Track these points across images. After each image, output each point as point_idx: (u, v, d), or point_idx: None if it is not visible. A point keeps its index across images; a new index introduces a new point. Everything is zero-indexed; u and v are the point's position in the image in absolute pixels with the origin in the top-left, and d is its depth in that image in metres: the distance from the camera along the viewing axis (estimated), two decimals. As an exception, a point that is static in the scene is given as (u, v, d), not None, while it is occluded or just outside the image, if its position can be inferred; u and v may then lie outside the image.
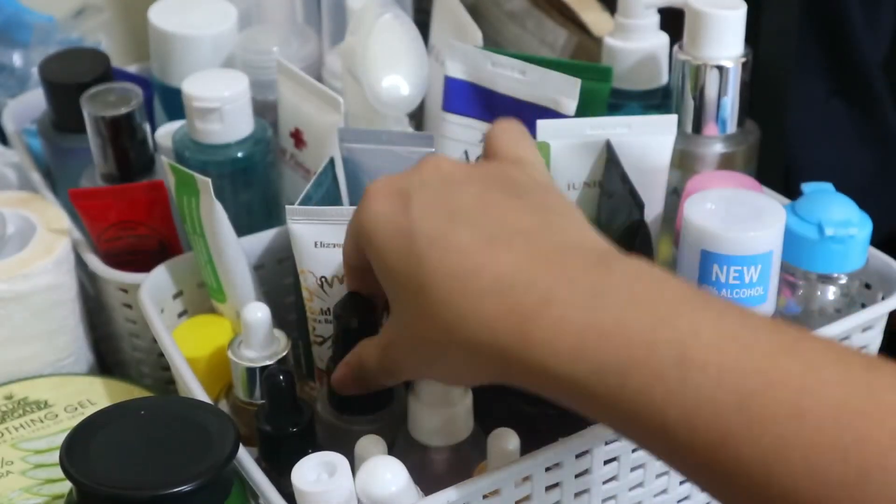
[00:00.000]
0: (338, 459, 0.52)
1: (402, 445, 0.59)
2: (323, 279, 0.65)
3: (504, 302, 0.46)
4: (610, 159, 0.65)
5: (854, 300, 0.70)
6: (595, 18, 0.89)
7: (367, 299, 0.58)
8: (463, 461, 0.59)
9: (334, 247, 0.64)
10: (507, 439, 0.57)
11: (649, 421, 0.43)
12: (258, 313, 0.63)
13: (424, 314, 0.48)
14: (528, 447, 0.57)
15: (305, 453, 0.53)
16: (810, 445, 0.39)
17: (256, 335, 0.63)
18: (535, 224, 0.48)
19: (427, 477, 0.56)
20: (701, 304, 0.44)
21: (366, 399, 0.59)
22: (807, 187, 0.70)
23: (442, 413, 0.58)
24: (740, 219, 0.62)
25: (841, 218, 0.67)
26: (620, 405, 0.43)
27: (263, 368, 0.63)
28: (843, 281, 0.68)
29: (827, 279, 0.68)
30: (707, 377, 0.41)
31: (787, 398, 0.40)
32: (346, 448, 0.55)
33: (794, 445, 0.40)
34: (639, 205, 0.62)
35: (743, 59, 0.74)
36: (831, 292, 0.69)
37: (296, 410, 0.58)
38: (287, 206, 0.64)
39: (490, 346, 0.46)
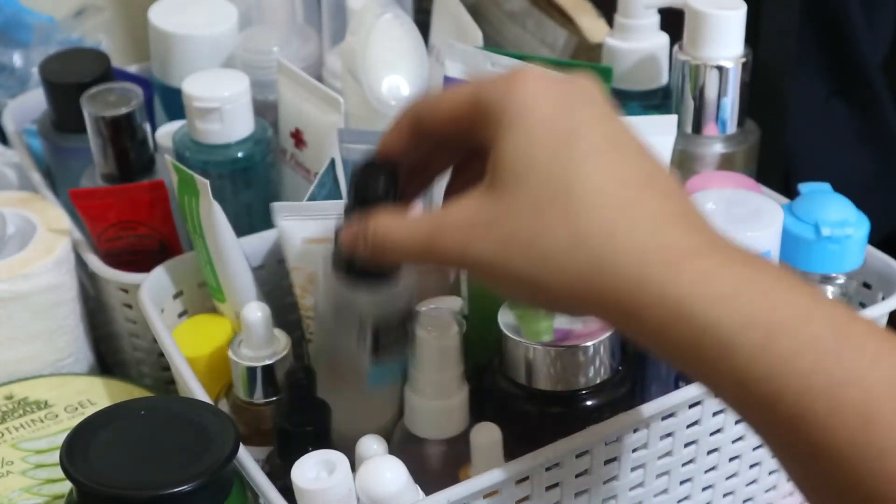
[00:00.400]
0: (337, 457, 0.52)
1: (399, 438, 0.59)
2: (314, 275, 0.64)
3: (661, 237, 0.44)
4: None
5: (853, 300, 0.70)
6: (590, 24, 0.89)
7: (391, 166, 0.53)
8: (459, 455, 0.59)
9: (323, 243, 0.63)
10: (489, 433, 0.57)
11: (785, 386, 0.41)
12: (258, 313, 0.63)
13: (558, 214, 0.45)
14: (528, 447, 0.57)
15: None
16: None
17: (256, 335, 0.63)
18: (684, 201, 0.47)
19: (424, 470, 0.57)
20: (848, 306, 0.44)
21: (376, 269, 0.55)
22: (804, 187, 0.70)
23: (438, 406, 0.58)
24: (738, 219, 0.62)
25: (838, 218, 0.67)
26: (758, 365, 0.41)
27: (264, 368, 0.63)
28: (841, 281, 0.68)
29: (825, 279, 0.68)
30: (863, 358, 0.41)
31: None
32: (350, 314, 0.55)
33: None
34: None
35: (743, 60, 0.74)
36: (829, 292, 0.69)
37: (314, 408, 0.58)
38: (274, 204, 0.63)
39: (632, 272, 0.44)
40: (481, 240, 0.47)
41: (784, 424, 0.42)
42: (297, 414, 0.58)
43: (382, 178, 0.52)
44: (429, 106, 0.51)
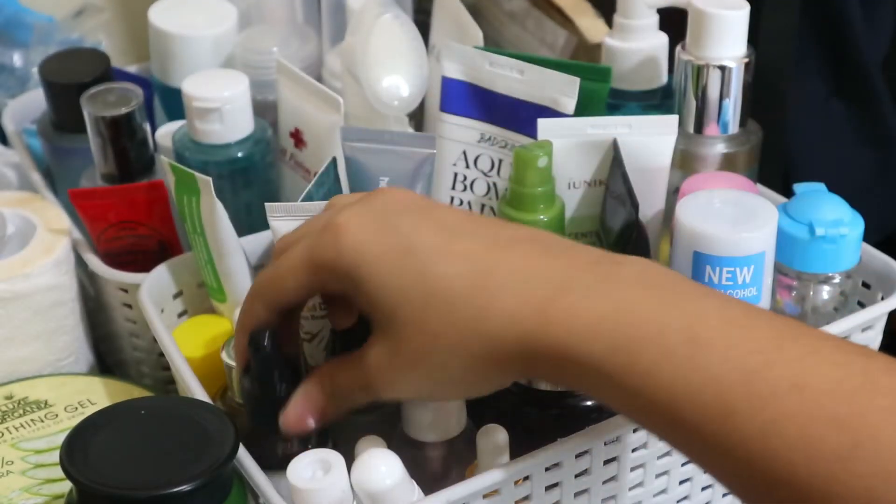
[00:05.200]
0: (333, 457, 0.52)
1: (398, 444, 0.59)
2: None
3: (521, 293, 0.48)
4: (615, 158, 0.65)
5: (850, 299, 0.70)
6: (589, 24, 0.89)
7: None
8: (457, 457, 0.59)
9: None
10: (495, 435, 0.57)
11: (656, 399, 0.44)
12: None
13: (434, 321, 0.49)
14: (528, 447, 0.57)
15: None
16: (807, 418, 0.41)
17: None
18: (528, 235, 0.51)
19: (423, 474, 0.56)
20: (705, 293, 0.47)
21: None
22: (798, 188, 0.70)
23: (434, 408, 0.58)
24: (733, 220, 0.62)
25: (832, 217, 0.67)
26: (629, 384, 0.45)
27: None
28: (837, 280, 0.68)
29: (820, 279, 0.68)
30: (714, 356, 0.44)
31: (787, 374, 0.42)
32: (348, 443, 0.56)
33: (791, 418, 0.42)
34: (634, 206, 0.62)
35: (745, 60, 0.74)
36: (826, 292, 0.69)
37: (282, 368, 0.56)
38: (266, 204, 0.63)
39: (512, 335, 0.47)
40: (398, 374, 0.51)
41: (663, 431, 0.46)
42: (266, 376, 0.55)
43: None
44: (274, 292, 0.54)
